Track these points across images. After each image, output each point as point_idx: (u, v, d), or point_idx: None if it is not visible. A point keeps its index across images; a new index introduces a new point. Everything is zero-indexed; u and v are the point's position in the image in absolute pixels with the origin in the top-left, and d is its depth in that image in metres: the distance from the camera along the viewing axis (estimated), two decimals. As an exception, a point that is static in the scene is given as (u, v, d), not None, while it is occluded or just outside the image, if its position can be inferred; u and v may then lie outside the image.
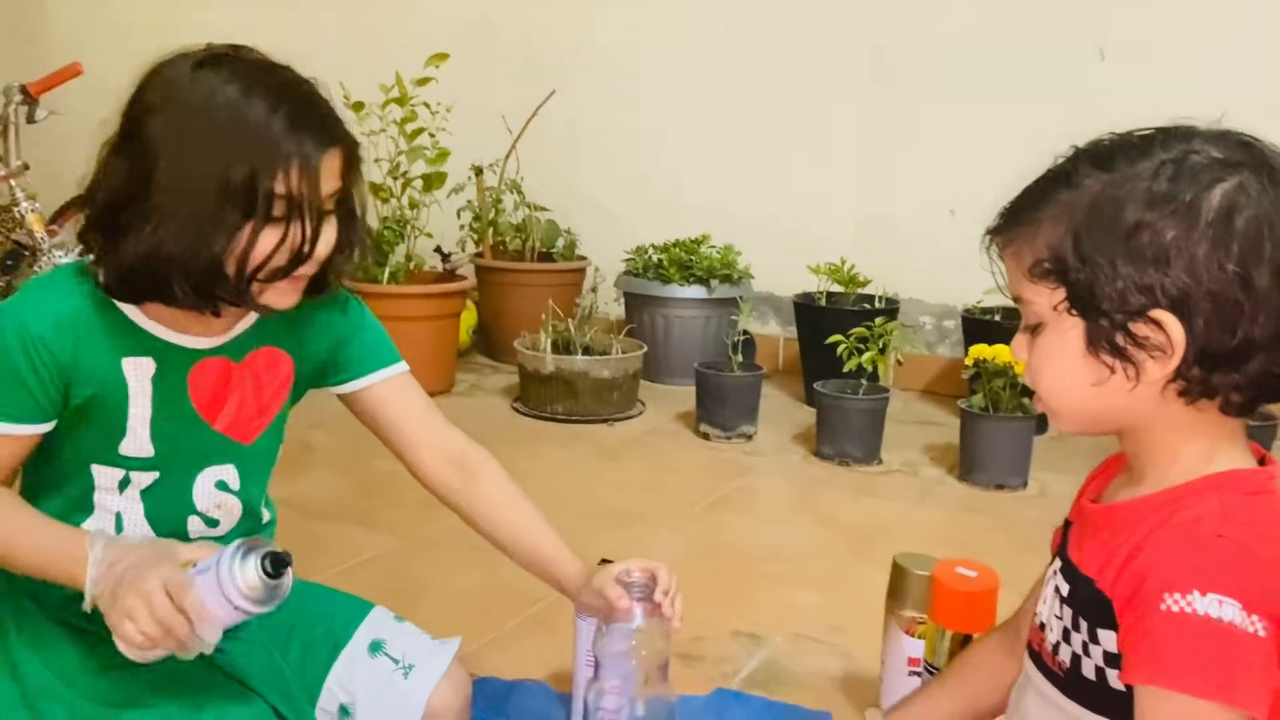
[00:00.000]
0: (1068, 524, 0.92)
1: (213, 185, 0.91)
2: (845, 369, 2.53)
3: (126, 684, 1.00)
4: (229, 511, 1.10)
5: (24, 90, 3.37)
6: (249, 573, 0.87)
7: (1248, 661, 0.72)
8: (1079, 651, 0.83)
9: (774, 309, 3.42)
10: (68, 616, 1.03)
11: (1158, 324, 0.76)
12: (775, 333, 3.44)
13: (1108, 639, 0.80)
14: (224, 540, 1.05)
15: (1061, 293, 0.79)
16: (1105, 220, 0.77)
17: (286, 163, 0.92)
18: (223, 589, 0.87)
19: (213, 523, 1.09)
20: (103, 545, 0.93)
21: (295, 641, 1.12)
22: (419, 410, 1.18)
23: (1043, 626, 0.88)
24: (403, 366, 1.18)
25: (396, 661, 1.12)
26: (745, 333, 2.81)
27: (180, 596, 0.87)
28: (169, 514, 1.06)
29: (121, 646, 0.89)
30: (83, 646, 1.03)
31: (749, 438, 2.67)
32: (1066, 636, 0.84)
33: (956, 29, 3.09)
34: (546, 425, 2.77)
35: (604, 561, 1.32)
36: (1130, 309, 0.76)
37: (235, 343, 1.06)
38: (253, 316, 1.08)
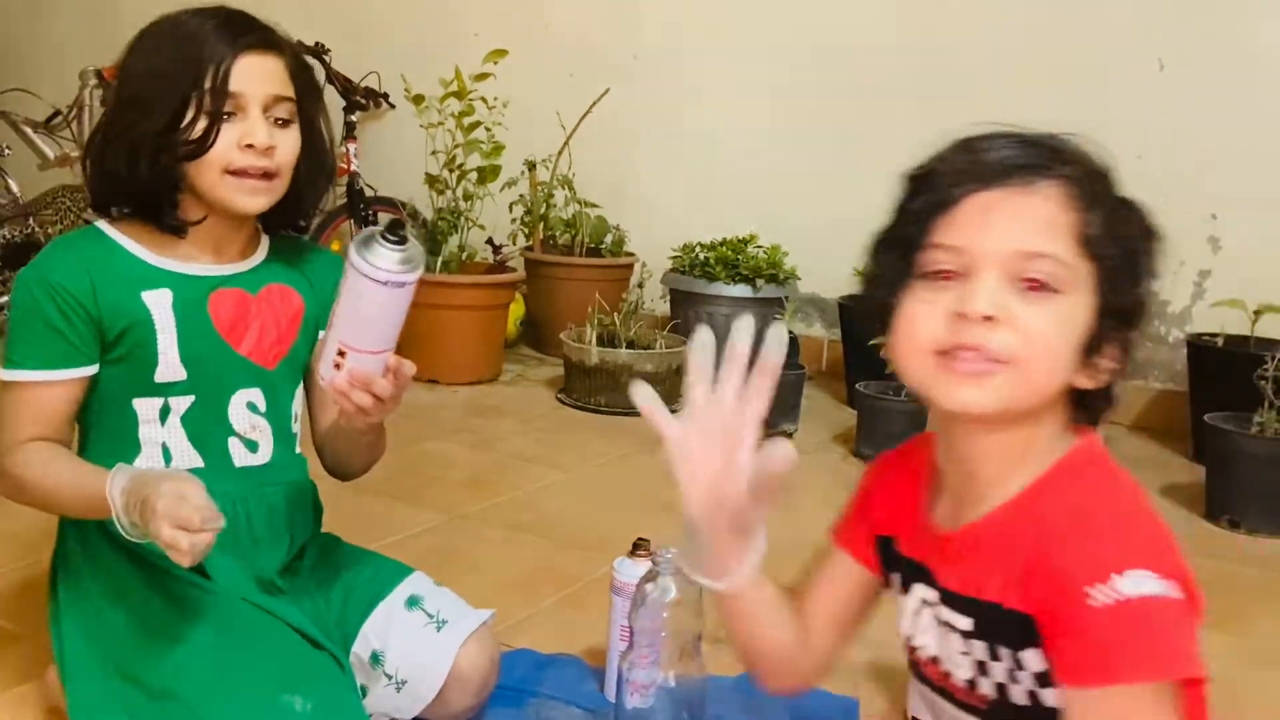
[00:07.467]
0: (905, 560, 0.90)
1: (155, 84, 1.04)
2: (888, 370, 2.54)
3: (190, 631, 1.06)
4: (264, 433, 1.16)
5: (99, 74, 3.50)
6: (380, 252, 0.92)
7: (1181, 627, 0.71)
8: (1004, 681, 0.81)
9: (819, 311, 3.44)
10: (135, 548, 1.09)
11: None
12: (820, 335, 3.45)
13: (1033, 659, 0.78)
14: (267, 469, 1.15)
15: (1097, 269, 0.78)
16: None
17: (212, 59, 1.04)
18: (372, 278, 0.92)
19: (252, 446, 1.15)
20: (120, 489, 0.99)
21: (339, 589, 1.19)
22: None
23: (935, 660, 0.86)
24: None
25: (431, 616, 1.18)
26: (789, 332, 2.83)
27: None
28: (211, 438, 1.13)
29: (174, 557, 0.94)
30: (152, 582, 1.09)
31: (789, 435, 2.69)
32: (983, 669, 0.82)
33: (1009, 33, 3.08)
34: (589, 416, 2.81)
35: (640, 541, 1.36)
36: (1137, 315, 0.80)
37: (250, 276, 1.15)
38: (263, 252, 1.17)
